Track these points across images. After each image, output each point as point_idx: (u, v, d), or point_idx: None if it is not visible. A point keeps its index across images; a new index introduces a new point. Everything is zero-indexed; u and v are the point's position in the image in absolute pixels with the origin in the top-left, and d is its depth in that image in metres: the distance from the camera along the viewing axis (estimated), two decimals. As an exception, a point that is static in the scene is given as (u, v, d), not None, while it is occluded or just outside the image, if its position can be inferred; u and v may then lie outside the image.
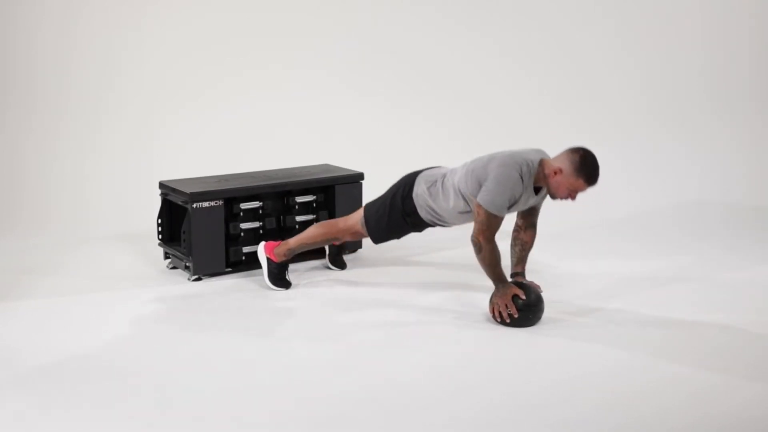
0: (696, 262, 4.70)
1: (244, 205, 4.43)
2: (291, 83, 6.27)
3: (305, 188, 4.63)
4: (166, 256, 4.55)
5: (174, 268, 4.52)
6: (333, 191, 4.68)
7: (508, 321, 3.68)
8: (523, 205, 3.80)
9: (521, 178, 3.65)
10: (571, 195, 3.69)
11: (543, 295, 3.79)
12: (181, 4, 6.19)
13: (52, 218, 5.41)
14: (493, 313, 3.73)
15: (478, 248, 3.75)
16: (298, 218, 4.62)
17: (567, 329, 3.68)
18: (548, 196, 3.84)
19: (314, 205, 4.68)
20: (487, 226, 3.71)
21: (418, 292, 4.17)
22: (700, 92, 6.17)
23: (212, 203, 4.30)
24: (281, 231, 4.58)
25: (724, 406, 3.01)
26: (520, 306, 3.69)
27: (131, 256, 4.75)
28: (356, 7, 6.30)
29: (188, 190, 4.29)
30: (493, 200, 3.66)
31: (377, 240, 4.12)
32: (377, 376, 3.24)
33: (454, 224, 4.04)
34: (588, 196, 5.60)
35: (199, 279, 4.34)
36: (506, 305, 3.68)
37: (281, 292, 4.18)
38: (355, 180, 4.75)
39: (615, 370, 3.28)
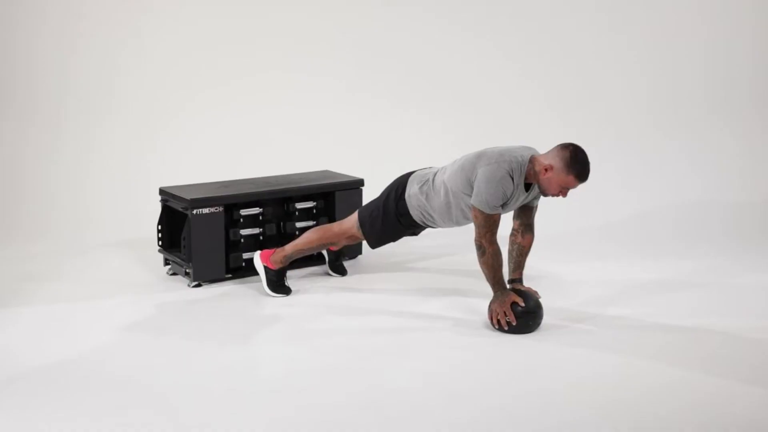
0: (696, 266, 4.71)
1: (244, 212, 4.44)
2: (291, 89, 6.28)
3: (305, 194, 4.64)
4: (166, 262, 4.56)
5: (174, 274, 4.52)
6: (333, 197, 4.69)
7: (506, 328, 3.69)
8: (515, 203, 3.80)
9: (511, 176, 3.66)
10: (562, 192, 3.70)
11: (542, 301, 3.79)
12: (181, 8, 6.20)
13: (53, 225, 5.42)
14: (492, 320, 3.74)
15: (482, 251, 3.75)
16: (299, 224, 4.62)
17: (566, 336, 3.69)
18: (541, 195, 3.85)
19: (314, 211, 4.69)
20: (487, 227, 3.72)
21: (418, 298, 4.17)
22: (700, 93, 6.17)
23: (212, 209, 4.31)
24: (281, 237, 4.59)
25: (725, 411, 3.00)
26: (518, 313, 3.69)
27: (131, 263, 4.76)
28: (357, 11, 6.30)
29: (188, 197, 4.29)
30: (486, 201, 3.68)
31: (374, 243, 4.11)
32: (376, 382, 3.24)
33: (443, 226, 4.04)
34: (587, 198, 5.66)
35: (199, 285, 4.35)
36: (505, 312, 3.69)
37: (281, 299, 4.19)
38: (355, 186, 4.76)
39: (614, 377, 3.28)
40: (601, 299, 4.14)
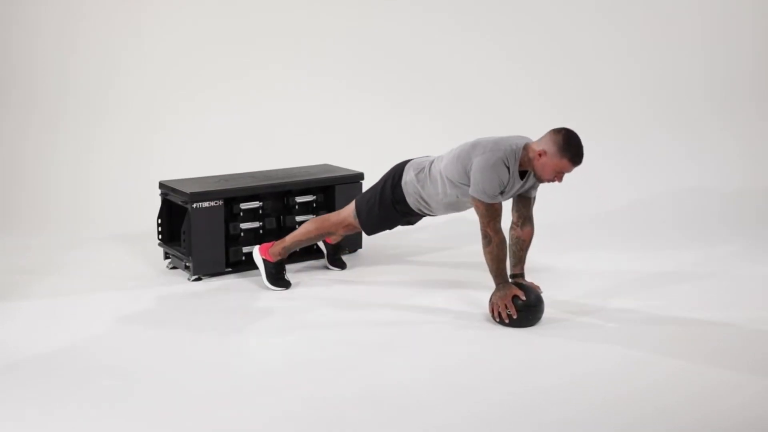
0: (695, 259, 4.71)
1: (244, 205, 4.43)
2: (291, 83, 6.27)
3: (305, 188, 4.63)
4: (166, 256, 4.55)
5: (174, 268, 4.52)
6: (333, 191, 4.69)
7: (507, 321, 3.69)
8: (511, 191, 3.80)
9: (506, 163, 3.68)
10: (558, 177, 3.70)
11: (543, 294, 3.80)
12: (181, 5, 6.19)
13: (52, 218, 5.42)
14: (493, 313, 3.74)
15: (488, 240, 3.76)
16: (298, 218, 4.62)
17: (567, 329, 3.69)
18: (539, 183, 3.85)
19: (314, 205, 4.68)
20: (490, 216, 3.73)
21: (418, 291, 4.17)
22: (699, 91, 6.17)
23: (212, 203, 4.30)
24: (281, 231, 4.58)
25: (727, 404, 3.01)
26: (519, 307, 3.69)
27: (131, 256, 4.76)
28: (356, 7, 6.30)
29: (188, 190, 4.29)
30: (484, 190, 3.70)
31: (370, 231, 4.12)
32: (377, 376, 3.24)
33: (440, 213, 4.07)
34: (587, 194, 5.66)
35: (199, 279, 4.35)
36: (506, 305, 3.69)
37: (281, 292, 4.18)
38: (355, 180, 4.75)
39: (616, 370, 3.28)
40: (602, 292, 4.14)
